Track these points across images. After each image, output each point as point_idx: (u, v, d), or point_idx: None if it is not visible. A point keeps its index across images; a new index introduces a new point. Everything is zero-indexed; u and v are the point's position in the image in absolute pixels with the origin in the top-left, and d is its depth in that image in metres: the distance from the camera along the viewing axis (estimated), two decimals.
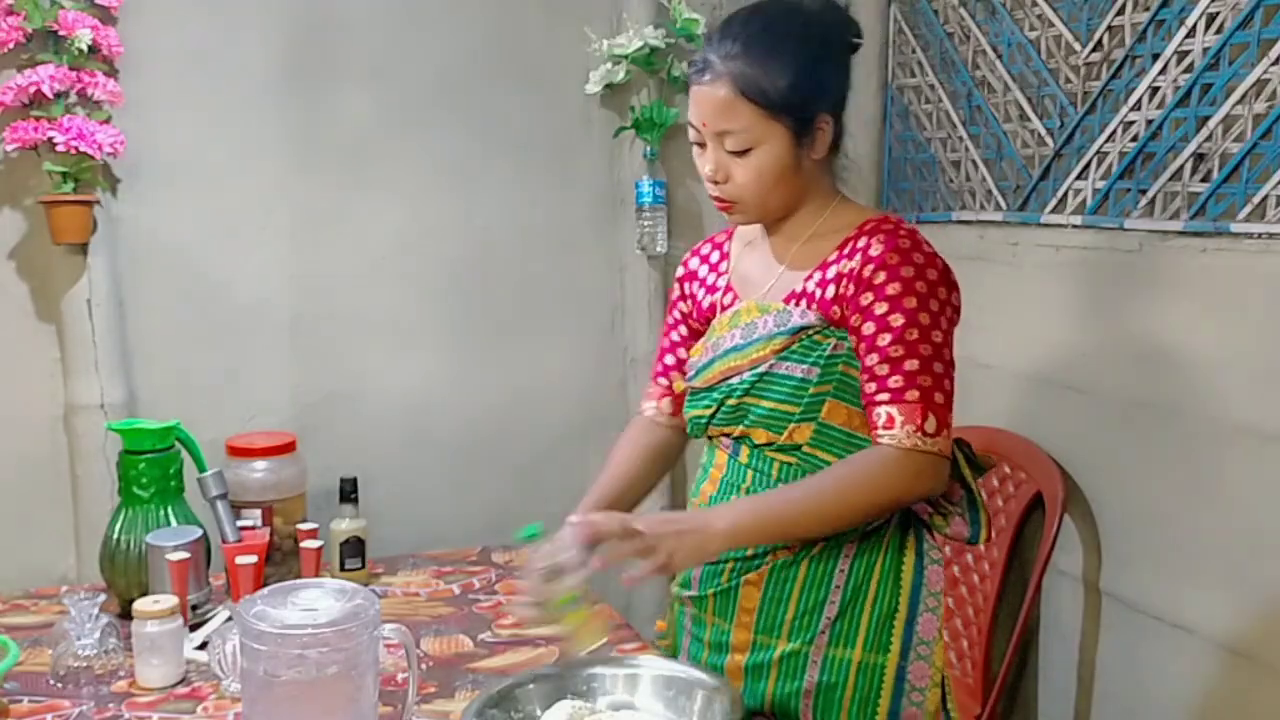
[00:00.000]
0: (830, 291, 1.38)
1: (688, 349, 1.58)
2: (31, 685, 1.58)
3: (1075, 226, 2.00)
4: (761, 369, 1.40)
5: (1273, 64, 1.63)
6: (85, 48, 2.01)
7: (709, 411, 1.46)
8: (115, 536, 1.84)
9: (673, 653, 1.57)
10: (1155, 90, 1.82)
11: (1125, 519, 1.93)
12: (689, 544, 1.31)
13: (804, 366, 1.38)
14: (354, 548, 2.01)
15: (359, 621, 1.24)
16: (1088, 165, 1.97)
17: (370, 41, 2.31)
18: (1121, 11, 1.88)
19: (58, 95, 2.01)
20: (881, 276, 1.34)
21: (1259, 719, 1.70)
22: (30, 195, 2.09)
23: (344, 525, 2.01)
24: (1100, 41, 1.92)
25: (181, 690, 1.58)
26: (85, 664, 1.59)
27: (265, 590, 1.30)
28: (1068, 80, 2.00)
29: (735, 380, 1.43)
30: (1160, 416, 1.84)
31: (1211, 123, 1.73)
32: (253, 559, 1.76)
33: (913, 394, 1.31)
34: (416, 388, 2.43)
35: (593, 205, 2.53)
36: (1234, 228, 1.70)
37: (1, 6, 1.98)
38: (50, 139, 1.99)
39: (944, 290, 1.36)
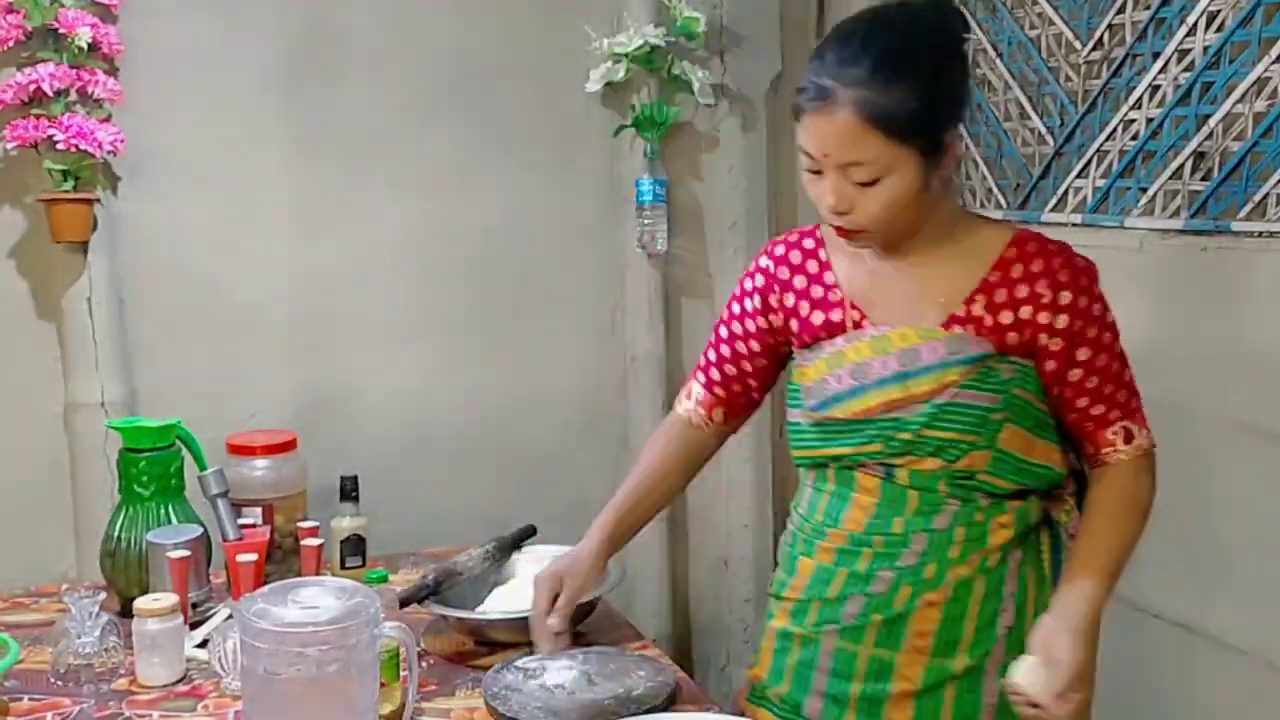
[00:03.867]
0: (1006, 318, 1.33)
1: (756, 364, 1.53)
2: (32, 683, 1.58)
3: (1075, 225, 2.00)
4: (943, 400, 1.33)
5: (1273, 62, 1.62)
6: (85, 46, 2.01)
7: (875, 448, 1.36)
8: (115, 534, 1.84)
9: (769, 701, 1.49)
10: (1156, 88, 1.82)
11: None
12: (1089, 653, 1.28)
13: (987, 395, 1.33)
14: (354, 545, 2.01)
15: (359, 620, 1.24)
16: (1088, 164, 1.97)
17: (370, 40, 2.31)
18: (1122, 10, 1.87)
19: (58, 93, 2.01)
20: (1079, 324, 1.34)
21: (1259, 717, 1.70)
22: (30, 193, 2.09)
23: (345, 523, 2.01)
24: (1101, 40, 1.92)
25: (182, 688, 1.58)
26: (85, 662, 1.59)
27: (265, 588, 1.30)
28: (1068, 78, 2.00)
29: (904, 414, 1.34)
30: (1160, 415, 1.83)
31: (1212, 121, 1.73)
32: (253, 557, 1.76)
33: (1135, 401, 1.40)
34: (417, 386, 2.43)
35: (593, 204, 2.53)
36: (1234, 226, 1.70)
37: (1, 4, 1.98)
38: (50, 137, 1.99)
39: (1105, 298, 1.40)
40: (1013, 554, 1.39)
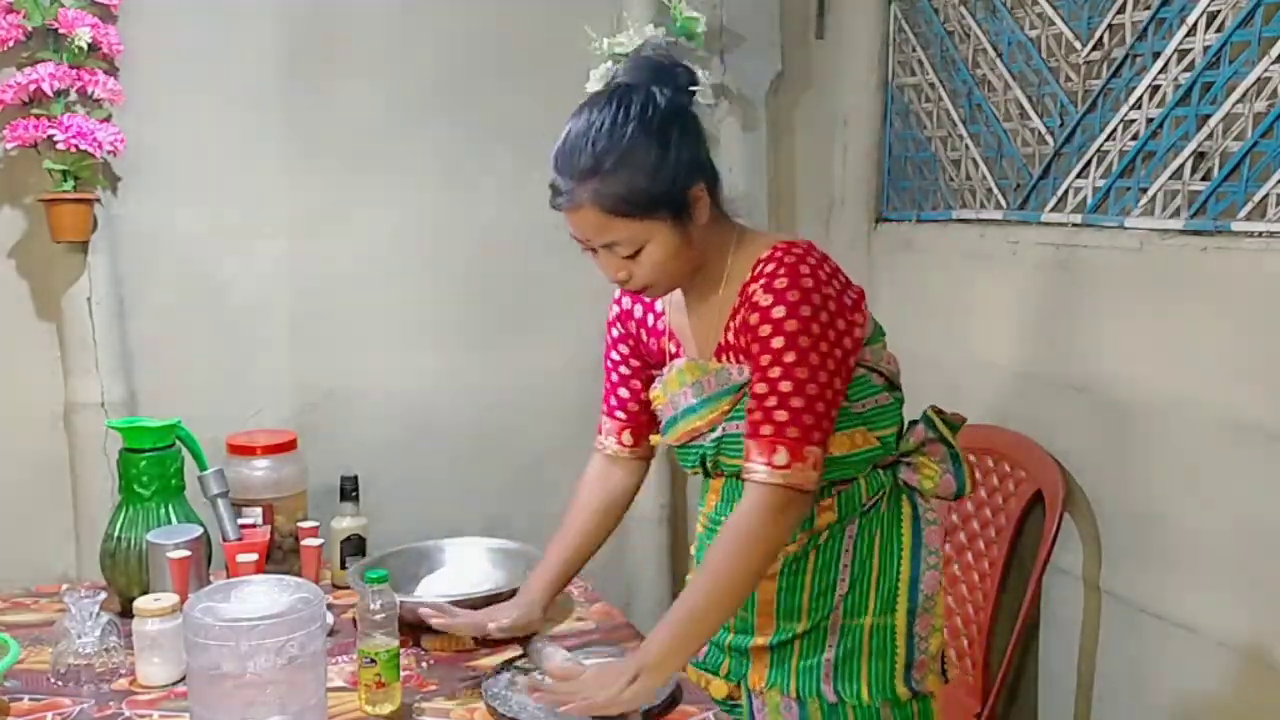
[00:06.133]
0: (741, 339, 1.40)
1: (640, 379, 1.61)
2: (32, 683, 1.58)
3: (1075, 225, 2.00)
4: (717, 435, 1.45)
5: (1273, 62, 1.63)
6: (85, 46, 2.01)
7: (696, 469, 1.53)
8: (116, 534, 1.84)
9: None
10: (1156, 89, 1.82)
11: (1125, 517, 1.93)
12: (631, 691, 1.34)
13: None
14: (355, 545, 2.01)
15: (302, 614, 1.26)
16: (1088, 164, 1.97)
17: (370, 39, 2.31)
18: (1122, 10, 1.88)
19: (58, 93, 2.01)
20: (755, 318, 1.35)
21: (1259, 717, 1.70)
22: (30, 193, 2.09)
23: (345, 523, 2.01)
24: (1101, 40, 1.92)
25: (182, 688, 1.57)
26: (86, 662, 1.58)
27: (210, 586, 1.31)
28: (1068, 78, 2.00)
29: (702, 442, 1.48)
30: (1160, 415, 1.84)
31: (1212, 121, 1.73)
32: (253, 557, 1.76)
33: (767, 429, 1.34)
34: (417, 385, 2.43)
35: None
36: (1234, 226, 1.70)
37: (1, 4, 1.98)
38: (50, 137, 1.99)
39: (825, 317, 1.33)
40: (848, 528, 1.47)
